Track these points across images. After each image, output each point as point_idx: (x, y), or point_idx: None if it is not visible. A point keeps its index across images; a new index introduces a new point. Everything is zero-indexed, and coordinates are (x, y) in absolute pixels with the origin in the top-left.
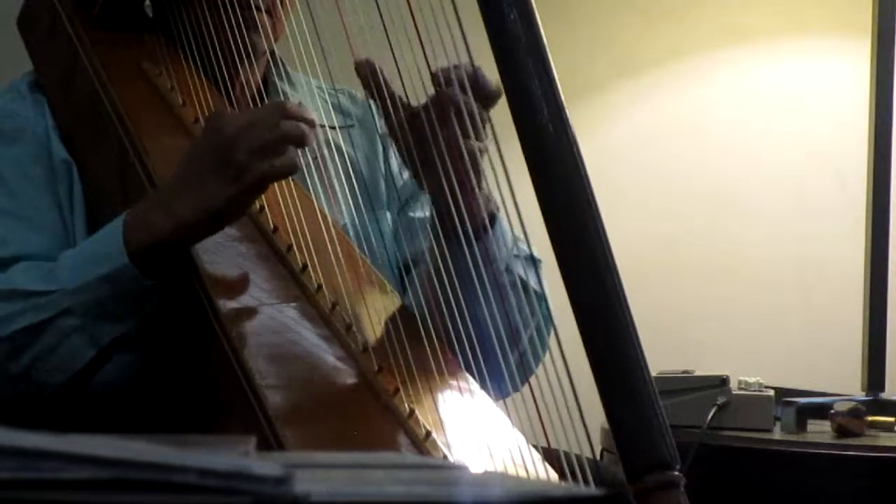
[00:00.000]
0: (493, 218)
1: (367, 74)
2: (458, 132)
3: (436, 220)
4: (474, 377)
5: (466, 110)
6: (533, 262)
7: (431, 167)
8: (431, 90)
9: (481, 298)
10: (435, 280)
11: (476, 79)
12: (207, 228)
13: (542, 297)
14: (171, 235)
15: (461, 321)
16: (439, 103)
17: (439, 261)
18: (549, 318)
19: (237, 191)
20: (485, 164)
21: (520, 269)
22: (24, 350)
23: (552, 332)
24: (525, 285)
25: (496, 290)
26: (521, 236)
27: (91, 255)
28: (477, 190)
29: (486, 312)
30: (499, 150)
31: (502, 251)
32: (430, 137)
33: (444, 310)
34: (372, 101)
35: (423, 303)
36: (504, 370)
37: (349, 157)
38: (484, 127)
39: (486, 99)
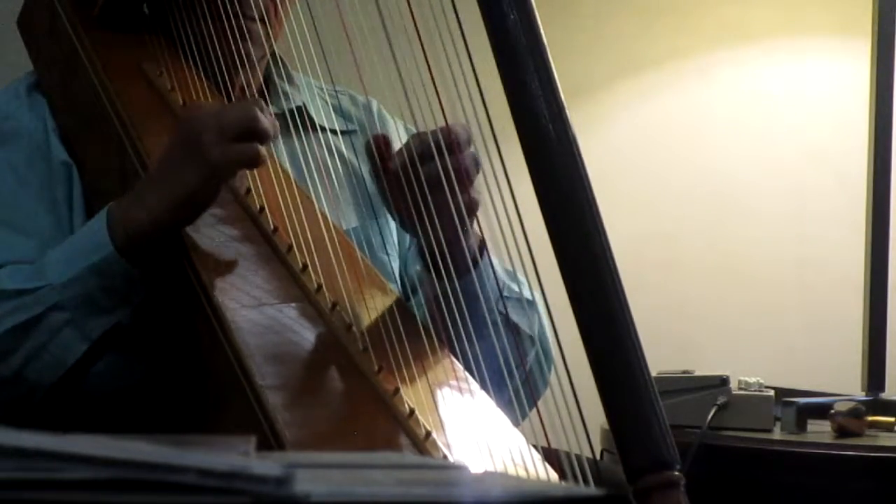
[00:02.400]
0: (480, 255)
1: (376, 150)
2: (446, 183)
3: (424, 255)
4: None
5: (448, 166)
6: (520, 303)
7: (419, 213)
8: (431, 92)
9: (465, 337)
10: (427, 314)
11: (449, 134)
12: (183, 216)
13: (533, 340)
14: (148, 228)
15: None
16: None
17: (430, 295)
18: (545, 359)
19: (200, 174)
20: (485, 166)
21: (509, 310)
22: (14, 351)
23: (551, 373)
24: (513, 326)
25: (480, 329)
26: (525, 250)
27: (77, 249)
28: (464, 231)
29: (471, 350)
30: (499, 150)
31: (488, 290)
32: (417, 187)
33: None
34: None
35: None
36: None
37: (351, 164)
38: (474, 174)
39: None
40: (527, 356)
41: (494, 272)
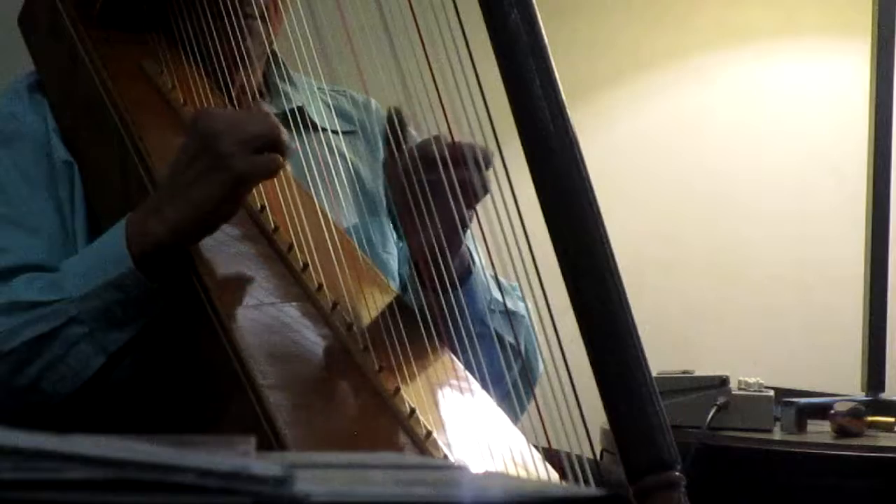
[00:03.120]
0: (468, 272)
1: (396, 125)
2: (450, 196)
3: (412, 270)
4: None
5: (458, 179)
6: (508, 315)
7: (415, 222)
8: (432, 92)
9: (456, 348)
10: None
11: (463, 150)
12: (202, 229)
13: (518, 352)
14: (167, 240)
15: None
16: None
17: (416, 308)
18: (531, 373)
19: (225, 186)
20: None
21: (496, 323)
22: (30, 362)
23: (534, 386)
24: (501, 339)
25: (466, 341)
26: (525, 248)
27: (95, 262)
28: (455, 247)
29: (462, 362)
30: (500, 149)
31: (477, 304)
32: (420, 194)
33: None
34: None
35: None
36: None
37: (351, 164)
38: (481, 192)
39: (480, 163)
40: (511, 369)
41: (492, 278)
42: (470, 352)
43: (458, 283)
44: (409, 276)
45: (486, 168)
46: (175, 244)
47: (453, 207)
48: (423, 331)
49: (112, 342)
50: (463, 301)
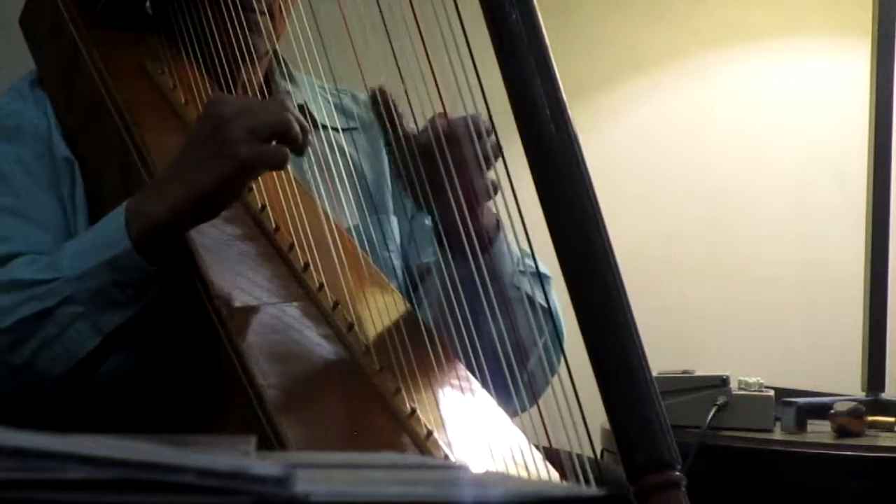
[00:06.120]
0: (495, 233)
1: (381, 105)
2: (468, 153)
3: (440, 235)
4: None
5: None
6: (539, 277)
7: (437, 187)
8: (433, 91)
9: (486, 314)
10: (442, 296)
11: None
12: (202, 212)
13: (548, 313)
14: (166, 221)
15: (469, 338)
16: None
17: (445, 275)
18: (558, 335)
19: (228, 171)
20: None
21: (526, 285)
22: (26, 340)
23: (563, 349)
24: (532, 301)
25: (500, 305)
26: (527, 247)
27: (93, 243)
28: (482, 207)
29: (492, 328)
30: (500, 149)
31: (506, 266)
32: (438, 158)
33: (453, 326)
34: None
35: (438, 316)
36: (512, 388)
37: (353, 161)
38: (494, 156)
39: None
40: (544, 329)
41: (510, 247)
42: (505, 314)
43: (490, 242)
44: (436, 250)
45: (488, 135)
46: (173, 225)
47: (480, 179)
48: (423, 331)
49: (107, 323)
50: (500, 260)
